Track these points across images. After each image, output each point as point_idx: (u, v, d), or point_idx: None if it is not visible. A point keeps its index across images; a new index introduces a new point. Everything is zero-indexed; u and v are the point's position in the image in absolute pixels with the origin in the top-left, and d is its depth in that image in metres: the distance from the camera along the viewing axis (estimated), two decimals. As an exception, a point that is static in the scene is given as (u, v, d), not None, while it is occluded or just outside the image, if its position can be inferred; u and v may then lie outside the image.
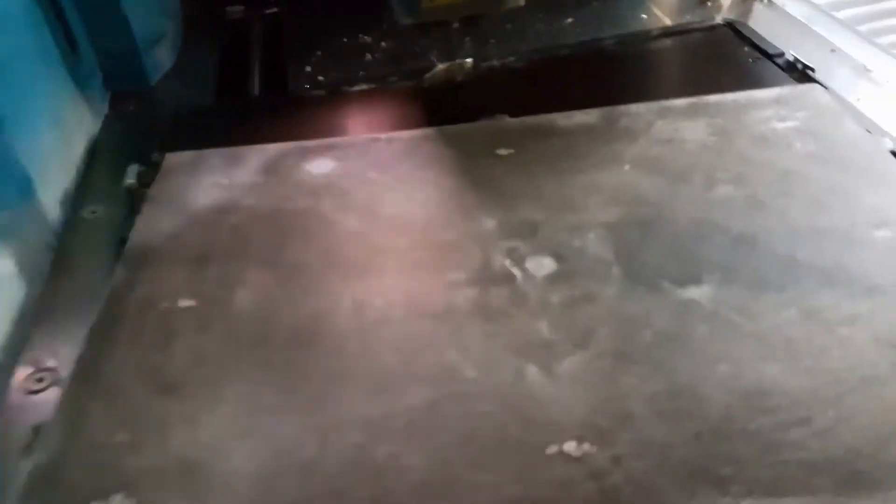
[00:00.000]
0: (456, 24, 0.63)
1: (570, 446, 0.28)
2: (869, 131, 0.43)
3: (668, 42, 0.55)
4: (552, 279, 0.36)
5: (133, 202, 0.44)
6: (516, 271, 0.36)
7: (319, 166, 0.45)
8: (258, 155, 0.47)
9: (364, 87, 0.55)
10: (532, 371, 0.31)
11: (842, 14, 0.75)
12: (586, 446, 0.28)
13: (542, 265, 0.36)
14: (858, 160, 0.40)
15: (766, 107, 0.45)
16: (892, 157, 0.41)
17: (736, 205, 0.38)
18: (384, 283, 0.36)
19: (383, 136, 0.47)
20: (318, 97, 0.55)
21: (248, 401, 0.31)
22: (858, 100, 0.50)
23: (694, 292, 0.34)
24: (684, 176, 0.41)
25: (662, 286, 0.34)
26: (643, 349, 0.32)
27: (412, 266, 0.37)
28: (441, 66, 0.54)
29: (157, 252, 0.39)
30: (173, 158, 0.47)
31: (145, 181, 0.45)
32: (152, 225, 0.41)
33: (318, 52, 0.63)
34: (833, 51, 0.56)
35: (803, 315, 0.32)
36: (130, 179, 0.45)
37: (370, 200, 0.42)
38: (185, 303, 0.36)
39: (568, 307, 0.34)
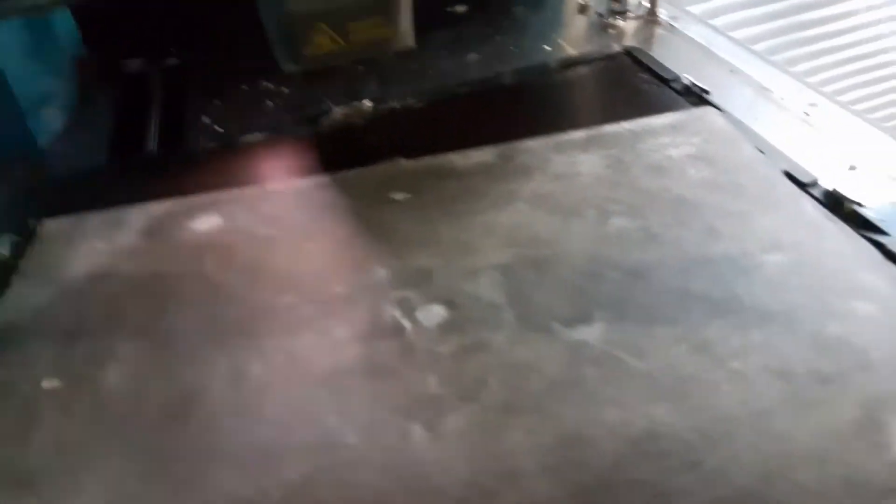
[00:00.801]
0: (361, 67, 0.62)
1: (451, 514, 0.26)
2: (762, 152, 0.43)
3: (567, 73, 0.55)
4: (443, 329, 0.34)
5: (3, 276, 0.41)
6: (406, 323, 0.35)
7: (204, 223, 0.43)
8: (140, 215, 0.44)
9: (258, 136, 0.53)
10: (417, 431, 0.29)
11: (741, 34, 0.77)
12: (469, 512, 0.26)
13: (433, 314, 0.35)
14: (752, 183, 0.40)
15: (662, 134, 0.45)
16: (785, 177, 0.41)
17: (629, 238, 0.37)
18: (265, 347, 0.34)
19: (274, 187, 0.46)
20: (211, 150, 0.53)
21: (110, 490, 0.29)
22: (756, 120, 0.50)
23: (584, 333, 0.32)
24: (578, 211, 0.40)
25: (553, 328, 0.33)
26: (532, 398, 0.30)
27: (296, 326, 0.35)
28: (338, 111, 0.53)
29: (23, 329, 0.36)
30: (51, 225, 0.44)
31: (20, 252, 0.42)
32: (20, 300, 0.38)
33: (217, 102, 0.62)
34: (732, 72, 0.57)
35: (694, 350, 0.31)
36: (3, 251, 0.42)
37: (256, 257, 0.40)
38: (49, 384, 0.33)
39: (457, 358, 0.32)
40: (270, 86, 0.63)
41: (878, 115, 0.49)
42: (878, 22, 0.57)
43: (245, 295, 0.38)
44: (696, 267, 0.35)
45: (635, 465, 0.27)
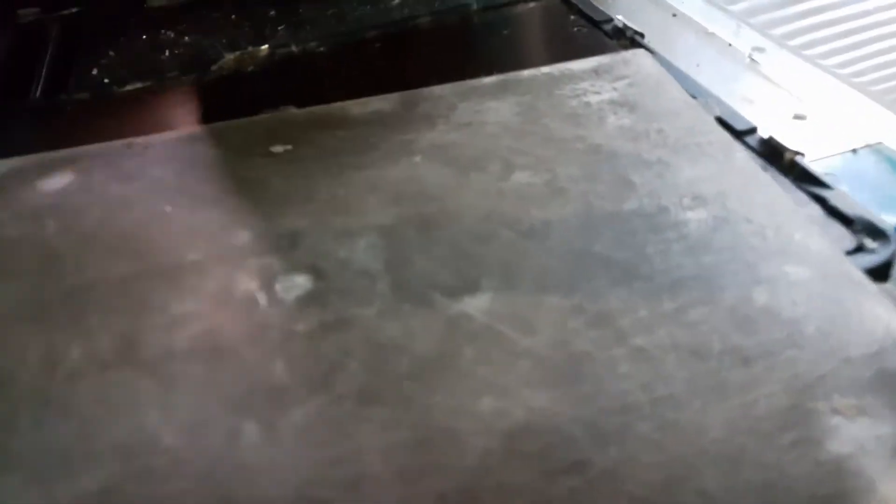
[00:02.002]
0: (272, 12, 0.56)
1: (273, 533, 0.21)
2: (695, 97, 0.38)
3: (488, 16, 0.49)
4: (303, 302, 0.28)
5: None
6: (261, 296, 0.29)
7: (54, 182, 0.37)
8: (-18, 174, 0.38)
9: (138, 85, 0.47)
10: (250, 430, 0.24)
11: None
12: (294, 531, 0.21)
13: (295, 285, 0.29)
14: (678, 131, 0.35)
15: (583, 79, 0.39)
16: (716, 124, 0.35)
17: (532, 193, 0.32)
18: (90, 326, 0.28)
19: (140, 140, 0.39)
20: (82, 101, 0.46)
21: None
22: (696, 66, 0.45)
23: (468, 304, 0.27)
24: (479, 164, 0.34)
25: (433, 299, 0.28)
26: (394, 385, 0.25)
27: (132, 300, 0.29)
28: (230, 56, 0.47)
29: None
30: None
31: None
32: None
33: (111, 53, 0.55)
34: (675, 15, 0.51)
35: (591, 323, 0.26)
36: None
37: (103, 221, 0.34)
38: None
39: (314, 338, 0.27)
40: (172, 35, 0.56)
41: (833, 60, 0.44)
42: None
43: (81, 264, 0.32)
44: (604, 225, 0.30)
45: (506, 466, 0.22)
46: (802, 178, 0.32)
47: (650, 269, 0.27)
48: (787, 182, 0.32)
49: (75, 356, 0.27)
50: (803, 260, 0.27)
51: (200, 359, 0.27)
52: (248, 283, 0.30)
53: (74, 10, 0.64)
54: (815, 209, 0.30)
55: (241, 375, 0.26)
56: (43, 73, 0.55)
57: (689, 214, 0.30)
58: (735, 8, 0.48)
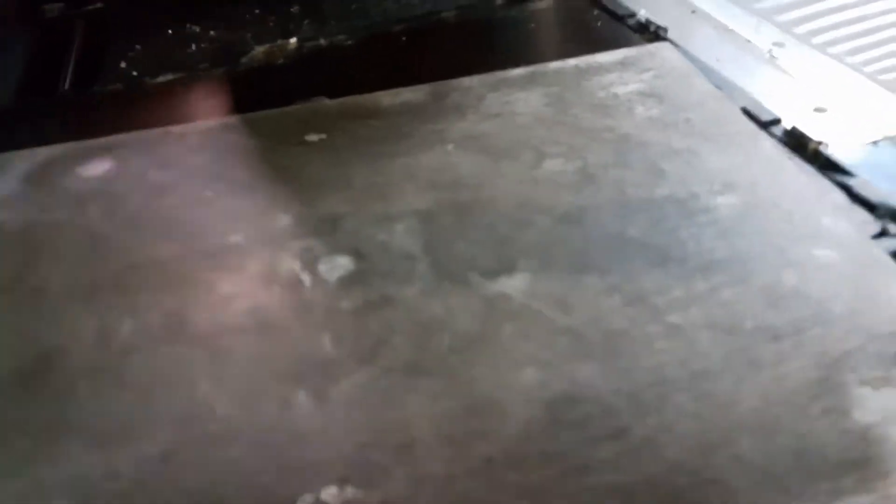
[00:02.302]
0: (295, 8, 0.57)
1: (329, 493, 0.22)
2: (720, 88, 0.39)
3: (513, 11, 0.50)
4: (346, 282, 0.30)
5: None
6: (305, 276, 0.30)
7: (94, 169, 0.38)
8: (25, 160, 0.39)
9: (169, 77, 0.48)
10: (301, 399, 0.25)
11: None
12: (350, 491, 0.22)
13: (337, 266, 0.30)
14: (706, 121, 0.36)
15: (610, 70, 0.40)
16: (742, 115, 0.36)
17: (564, 180, 0.33)
18: (139, 304, 0.29)
19: (176, 128, 0.40)
20: (116, 92, 0.47)
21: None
22: (718, 60, 0.46)
23: (505, 284, 0.28)
24: (510, 152, 0.35)
25: (471, 280, 0.29)
26: (439, 358, 0.26)
27: (178, 280, 0.30)
28: (259, 49, 0.48)
29: None
30: (-83, 171, 0.39)
31: None
32: None
33: (138, 47, 0.56)
34: (694, 12, 0.52)
35: (627, 301, 0.27)
36: None
37: (144, 205, 0.35)
38: None
39: (359, 315, 0.28)
40: (197, 29, 0.57)
41: (850, 54, 0.45)
42: None
43: (126, 247, 0.33)
44: (635, 210, 0.31)
45: (549, 434, 0.23)
46: (827, 166, 0.33)
47: (683, 252, 0.28)
48: (811, 170, 0.32)
49: (127, 332, 0.28)
50: (831, 243, 0.28)
51: (249, 334, 0.28)
52: (291, 264, 0.31)
53: (99, 5, 0.66)
54: (840, 196, 0.31)
55: (290, 349, 0.27)
56: (70, 67, 0.56)
57: (720, 200, 0.31)
58: (756, 5, 0.49)
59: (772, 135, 0.35)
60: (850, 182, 0.31)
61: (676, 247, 0.29)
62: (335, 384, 0.25)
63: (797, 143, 0.34)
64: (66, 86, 0.53)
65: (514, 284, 0.28)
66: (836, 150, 0.36)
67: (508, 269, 0.29)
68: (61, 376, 0.27)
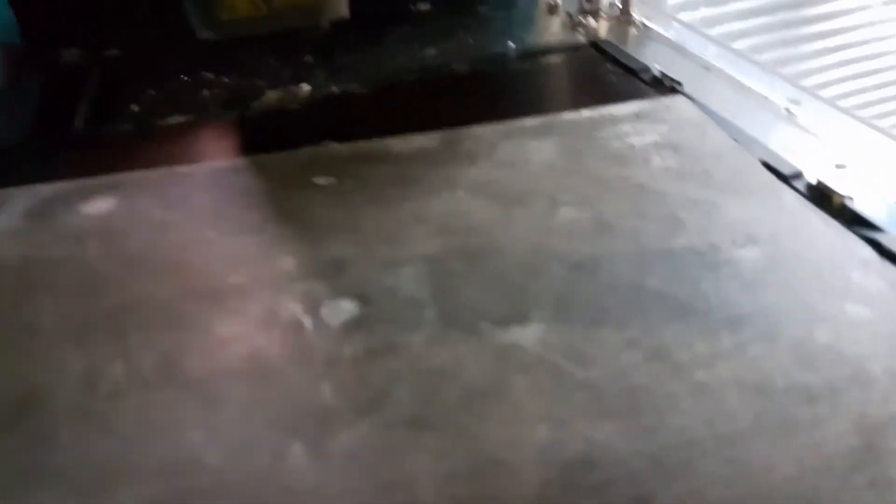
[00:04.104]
0: (308, 59, 0.57)
1: (323, 559, 0.20)
2: (737, 140, 0.38)
3: (525, 64, 0.50)
4: (350, 327, 0.28)
5: None
6: (307, 320, 0.29)
7: (98, 206, 0.37)
8: (28, 196, 0.38)
9: (179, 118, 0.47)
10: (296, 452, 0.23)
11: (717, 32, 0.73)
12: (346, 557, 0.20)
13: (341, 310, 0.29)
14: (724, 172, 0.35)
15: (624, 121, 0.40)
16: (762, 167, 0.35)
17: (579, 229, 0.32)
18: (132, 345, 0.28)
19: (183, 168, 0.40)
20: (126, 132, 0.47)
21: None
22: (734, 116, 0.45)
23: (518, 334, 0.27)
24: (524, 200, 0.34)
25: (482, 329, 0.27)
26: (446, 412, 0.24)
27: (175, 321, 0.29)
28: (272, 94, 0.48)
29: None
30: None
31: None
32: None
33: (151, 91, 0.56)
34: (707, 69, 0.52)
35: (649, 356, 0.25)
36: None
37: (146, 244, 0.34)
38: None
39: (362, 362, 0.26)
40: (211, 76, 0.57)
41: (869, 112, 0.45)
42: (870, 24, 0.53)
43: (124, 285, 0.31)
44: (655, 261, 0.29)
45: (565, 499, 0.21)
46: (854, 220, 0.31)
47: (706, 305, 0.27)
48: (837, 225, 0.31)
49: (117, 374, 0.27)
50: (863, 300, 0.27)
51: (245, 379, 0.26)
52: (292, 307, 0.29)
53: (115, 52, 0.67)
54: (869, 251, 0.30)
55: (287, 397, 0.25)
56: (84, 108, 0.56)
57: (742, 252, 0.29)
58: (777, 67, 0.49)
59: (794, 188, 0.34)
60: (879, 237, 0.30)
61: (698, 299, 0.27)
62: (333, 437, 0.23)
63: (821, 196, 0.33)
64: (79, 126, 0.53)
65: (527, 334, 0.26)
66: (861, 205, 0.35)
67: (521, 318, 0.27)
68: (44, 419, 0.25)
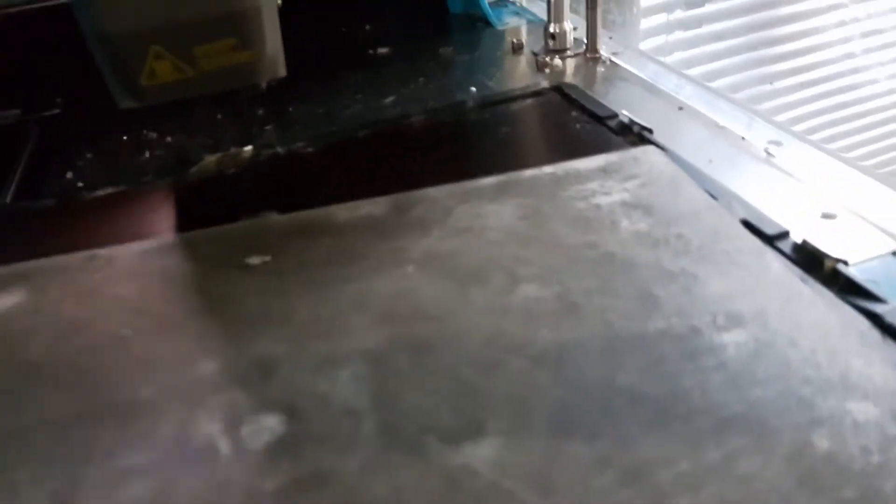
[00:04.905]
0: (260, 112, 0.54)
1: None
2: (715, 198, 0.34)
3: (486, 114, 0.47)
4: (273, 451, 0.24)
5: None
6: (224, 443, 0.24)
7: (1, 303, 0.33)
8: (-75, 293, 0.34)
9: (109, 190, 0.43)
10: None
11: (697, 71, 0.70)
12: None
13: (264, 429, 0.25)
14: (701, 237, 0.31)
15: (591, 178, 0.36)
16: (743, 228, 0.32)
17: (541, 309, 0.28)
18: (18, 482, 0.24)
19: (104, 252, 0.36)
20: (47, 208, 0.43)
21: None
22: (710, 162, 0.42)
23: (470, 454, 0.23)
24: (479, 276, 0.30)
25: (429, 447, 0.23)
26: (380, 566, 0.20)
27: (72, 448, 0.25)
28: (210, 158, 0.44)
29: None
30: None
31: None
32: None
33: (89, 155, 0.53)
34: (681, 109, 0.49)
35: (622, 479, 0.21)
36: None
37: (49, 347, 0.30)
38: None
39: (283, 498, 0.22)
40: (154, 136, 0.54)
41: (854, 154, 0.41)
42: (848, 56, 0.51)
43: (16, 404, 0.27)
44: (627, 350, 0.25)
45: None
46: (848, 289, 0.28)
47: (687, 408, 0.23)
48: (830, 296, 0.28)
49: (-7, 524, 0.23)
50: (867, 394, 0.23)
51: (144, 528, 0.22)
52: (208, 426, 0.25)
53: (56, 111, 0.63)
54: (868, 327, 0.26)
55: (192, 552, 0.21)
56: (17, 177, 0.52)
57: (726, 337, 0.25)
58: (755, 105, 0.46)
59: (780, 251, 0.30)
60: (879, 309, 0.26)
61: (679, 400, 0.23)
62: None
63: (811, 260, 0.30)
64: (8, 198, 0.49)
65: (480, 454, 0.22)
66: (855, 267, 0.31)
67: (474, 431, 0.23)
68: None
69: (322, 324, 0.29)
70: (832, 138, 0.44)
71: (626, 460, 0.21)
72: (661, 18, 0.90)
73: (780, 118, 0.47)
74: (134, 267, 0.35)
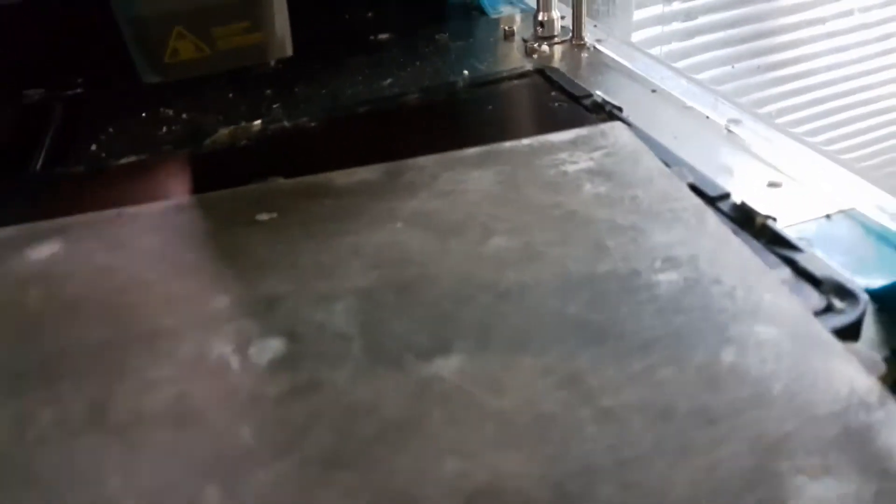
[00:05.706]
0: (268, 91, 0.58)
1: None
2: (671, 165, 0.39)
3: (474, 93, 0.51)
4: (275, 366, 0.29)
5: None
6: (234, 360, 0.29)
7: (42, 251, 0.38)
8: (-27, 244, 0.39)
9: (132, 158, 0.48)
10: (210, 495, 0.23)
11: (667, 50, 0.74)
12: None
13: (268, 349, 0.29)
14: (652, 197, 0.36)
15: (561, 150, 0.41)
16: (689, 191, 0.36)
17: (509, 257, 0.32)
18: (62, 392, 0.28)
19: (130, 210, 0.40)
20: (77, 173, 0.48)
21: None
22: (674, 138, 0.46)
23: (439, 365, 0.27)
24: (458, 230, 0.35)
25: (405, 361, 0.28)
26: (360, 447, 0.24)
27: (105, 366, 0.30)
28: (223, 131, 0.49)
29: None
30: None
31: None
32: None
33: (110, 129, 0.57)
34: (654, 91, 0.53)
35: (562, 383, 0.26)
36: None
37: (84, 288, 0.34)
38: None
39: (284, 401, 0.27)
40: (170, 112, 0.58)
41: (807, 129, 0.45)
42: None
43: (59, 331, 0.32)
44: (577, 288, 0.30)
45: (467, 530, 0.21)
46: (773, 241, 0.32)
47: (621, 330, 0.27)
48: (758, 245, 0.32)
49: (45, 421, 0.27)
50: (772, 320, 0.27)
51: (168, 424, 0.27)
52: (222, 348, 0.30)
53: (78, 90, 0.68)
54: (786, 271, 0.30)
55: (207, 440, 0.26)
56: (44, 149, 0.57)
57: (661, 277, 0.30)
58: (709, 75, 0.50)
59: (720, 210, 0.35)
60: (797, 257, 0.31)
61: (615, 325, 0.28)
62: (247, 479, 0.24)
63: (745, 217, 0.34)
64: (38, 167, 0.54)
65: (448, 366, 0.27)
66: (788, 225, 0.35)
67: (444, 349, 0.28)
68: (-31, 469, 0.26)
69: (322, 268, 0.34)
70: (799, 121, 0.48)
71: (565, 369, 0.26)
72: (657, 9, 0.94)
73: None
74: (157, 222, 0.39)
